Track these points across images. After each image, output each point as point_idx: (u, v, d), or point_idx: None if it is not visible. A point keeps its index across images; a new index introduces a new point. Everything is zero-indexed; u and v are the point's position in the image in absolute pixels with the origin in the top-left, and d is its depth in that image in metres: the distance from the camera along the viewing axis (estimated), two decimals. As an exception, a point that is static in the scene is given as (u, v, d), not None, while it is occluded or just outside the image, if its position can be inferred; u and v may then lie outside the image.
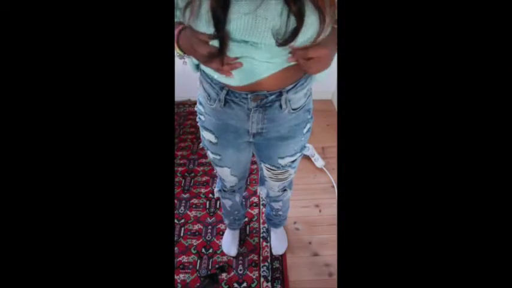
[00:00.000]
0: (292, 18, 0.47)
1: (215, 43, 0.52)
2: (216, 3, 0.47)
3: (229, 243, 1.36)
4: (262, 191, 1.14)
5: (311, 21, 0.48)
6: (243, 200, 1.38)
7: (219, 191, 1.14)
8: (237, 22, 0.49)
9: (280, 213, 1.25)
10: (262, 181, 1.09)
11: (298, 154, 0.86)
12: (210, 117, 0.77)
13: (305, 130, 0.80)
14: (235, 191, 1.11)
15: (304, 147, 0.87)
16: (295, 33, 0.48)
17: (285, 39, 0.49)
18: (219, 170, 0.97)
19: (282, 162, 0.86)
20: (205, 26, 0.50)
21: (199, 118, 0.83)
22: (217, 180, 1.12)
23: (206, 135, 0.83)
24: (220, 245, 1.39)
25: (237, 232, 1.40)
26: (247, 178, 1.11)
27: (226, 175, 0.98)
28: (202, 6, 0.48)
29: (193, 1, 0.48)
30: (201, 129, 0.85)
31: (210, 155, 0.91)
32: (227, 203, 1.19)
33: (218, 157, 0.89)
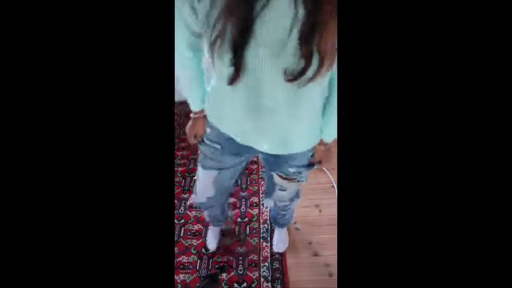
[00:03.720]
0: (301, 60, 0.54)
1: (229, 70, 0.58)
2: (238, 37, 0.53)
3: (211, 239, 1.39)
4: (268, 204, 1.16)
5: (314, 62, 0.54)
6: (235, 199, 1.41)
7: (198, 204, 1.12)
8: (265, 63, 0.56)
9: (286, 216, 1.27)
10: (269, 193, 1.10)
11: (307, 162, 0.90)
12: (215, 131, 0.82)
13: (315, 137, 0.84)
14: (214, 205, 1.11)
15: (313, 155, 0.89)
16: (303, 71, 0.54)
17: (294, 76, 0.56)
18: (203, 175, 0.96)
19: (292, 170, 0.89)
20: (225, 56, 0.55)
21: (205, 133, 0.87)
22: (193, 196, 1.11)
23: (212, 144, 0.86)
24: (221, 245, 1.39)
25: (218, 228, 1.41)
26: (225, 201, 1.16)
27: (208, 183, 0.96)
28: (225, 42, 0.54)
29: (220, 36, 0.54)
30: (205, 140, 0.88)
31: (209, 161, 0.91)
32: (207, 212, 1.23)
33: (218, 162, 0.90)
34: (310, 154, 0.87)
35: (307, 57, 0.53)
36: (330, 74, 0.60)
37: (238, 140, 0.79)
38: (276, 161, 0.88)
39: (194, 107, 0.84)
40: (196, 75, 0.77)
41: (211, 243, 1.39)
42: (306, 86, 0.58)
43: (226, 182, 0.99)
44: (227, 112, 0.73)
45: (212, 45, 0.56)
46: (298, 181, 0.95)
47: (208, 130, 0.86)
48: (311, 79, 0.56)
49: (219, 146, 0.85)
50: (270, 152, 0.80)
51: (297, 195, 1.10)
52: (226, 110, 0.73)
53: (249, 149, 0.83)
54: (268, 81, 0.60)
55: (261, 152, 0.85)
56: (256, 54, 0.56)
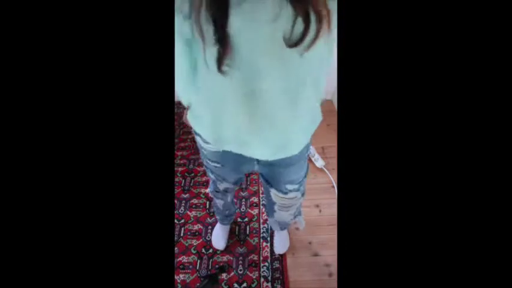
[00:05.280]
0: (299, 22, 0.48)
1: (215, 49, 0.51)
2: (215, 9, 0.46)
3: (219, 238, 1.39)
4: (274, 227, 1.18)
5: (312, 22, 0.49)
6: (234, 198, 1.42)
7: (212, 191, 1.17)
8: (255, 33, 0.49)
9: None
10: (269, 213, 1.13)
11: (303, 177, 0.90)
12: (213, 149, 0.79)
13: (307, 154, 0.85)
14: (228, 192, 1.14)
15: (307, 172, 0.91)
16: (303, 35, 0.49)
17: (293, 42, 0.50)
18: (216, 179, 1.01)
19: (289, 187, 0.90)
20: (208, 30, 0.49)
21: (202, 152, 0.86)
22: (210, 182, 1.14)
23: (211, 163, 0.87)
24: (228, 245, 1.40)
25: (228, 227, 1.42)
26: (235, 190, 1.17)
27: (222, 182, 1.02)
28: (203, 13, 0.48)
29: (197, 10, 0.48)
30: (205, 159, 0.89)
31: (211, 175, 0.97)
32: (219, 202, 1.22)
33: (219, 175, 0.94)
34: (306, 160, 0.87)
35: (305, 18, 0.48)
36: (327, 38, 0.53)
37: (234, 148, 0.74)
38: (272, 175, 0.87)
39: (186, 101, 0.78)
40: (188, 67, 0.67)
41: (219, 242, 1.38)
42: (306, 55, 0.52)
43: (238, 179, 1.03)
44: (221, 112, 0.66)
45: (194, 23, 0.48)
46: (296, 197, 0.96)
47: (204, 152, 0.84)
48: (313, 41, 0.50)
49: (219, 165, 0.86)
50: (268, 158, 0.75)
51: (298, 212, 1.10)
52: (219, 110, 0.66)
53: (247, 163, 0.83)
54: (265, 55, 0.52)
55: (258, 163, 0.83)
56: (245, 22, 0.48)
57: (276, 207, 1.03)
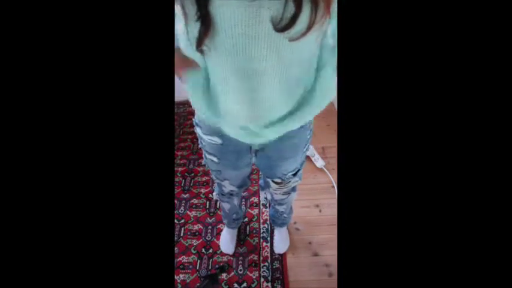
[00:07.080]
0: (291, 5, 0.46)
1: (197, 28, 0.49)
2: None
3: (227, 242, 1.37)
4: (267, 195, 1.17)
5: (306, 8, 0.47)
6: (242, 201, 1.41)
7: (217, 194, 1.16)
8: (239, 11, 0.47)
9: (284, 215, 1.26)
10: (264, 188, 1.11)
11: (300, 168, 0.91)
12: (210, 140, 0.79)
13: (305, 148, 0.85)
14: (234, 195, 1.13)
15: (304, 161, 0.91)
16: (293, 19, 0.47)
17: (282, 26, 0.48)
18: (220, 181, 1.01)
19: (285, 176, 0.91)
20: (192, 11, 0.49)
21: (201, 142, 0.85)
22: (215, 185, 1.13)
23: (208, 156, 0.87)
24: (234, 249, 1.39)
25: (235, 231, 1.41)
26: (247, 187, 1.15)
27: (226, 184, 1.02)
28: None
29: None
30: (203, 151, 0.88)
31: (211, 171, 0.96)
32: (226, 206, 1.21)
33: (219, 173, 0.94)
34: (305, 149, 0.86)
35: (298, 2, 0.46)
36: (327, 25, 0.50)
37: (232, 134, 0.72)
38: (269, 165, 0.88)
39: None
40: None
41: (228, 247, 1.37)
42: (300, 39, 0.49)
43: (241, 181, 1.02)
44: (218, 97, 0.63)
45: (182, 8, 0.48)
46: (293, 182, 0.97)
47: (202, 143, 0.83)
48: (307, 29, 0.48)
49: (216, 158, 0.85)
50: (269, 138, 0.72)
51: (293, 189, 1.09)
52: (216, 94, 0.63)
53: (244, 155, 0.83)
54: (253, 37, 0.49)
55: (256, 155, 0.84)
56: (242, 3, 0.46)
57: (272, 186, 1.01)
